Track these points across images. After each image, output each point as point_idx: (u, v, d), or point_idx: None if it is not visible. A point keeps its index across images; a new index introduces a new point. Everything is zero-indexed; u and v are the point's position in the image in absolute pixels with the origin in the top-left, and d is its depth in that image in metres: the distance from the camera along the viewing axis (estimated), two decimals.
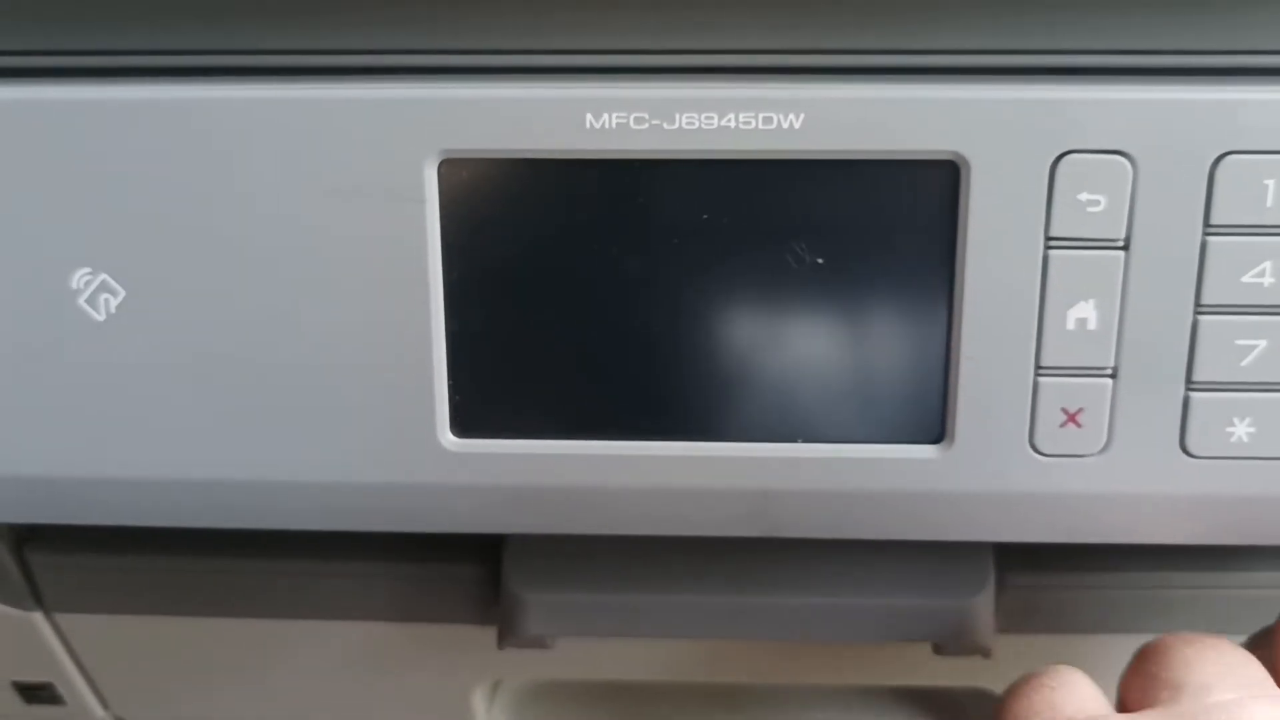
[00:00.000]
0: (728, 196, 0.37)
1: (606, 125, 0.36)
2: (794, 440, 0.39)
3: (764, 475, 0.39)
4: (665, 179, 0.37)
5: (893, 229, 0.37)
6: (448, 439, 0.39)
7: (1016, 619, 0.45)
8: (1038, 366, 0.37)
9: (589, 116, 0.36)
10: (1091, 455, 0.38)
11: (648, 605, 0.45)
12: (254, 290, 0.38)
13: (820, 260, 0.38)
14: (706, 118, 0.36)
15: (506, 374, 0.39)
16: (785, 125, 0.36)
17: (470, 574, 0.47)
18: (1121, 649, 0.38)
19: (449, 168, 0.37)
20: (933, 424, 0.38)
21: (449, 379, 0.39)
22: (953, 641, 0.45)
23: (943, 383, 0.38)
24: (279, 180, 0.37)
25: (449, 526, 0.41)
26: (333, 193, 0.37)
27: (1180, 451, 0.38)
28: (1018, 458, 0.38)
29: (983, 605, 0.44)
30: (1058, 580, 0.45)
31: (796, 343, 0.39)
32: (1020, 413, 0.38)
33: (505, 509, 0.41)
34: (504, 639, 0.46)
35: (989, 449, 0.38)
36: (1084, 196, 0.36)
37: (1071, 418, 0.38)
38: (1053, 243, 0.36)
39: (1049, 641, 0.46)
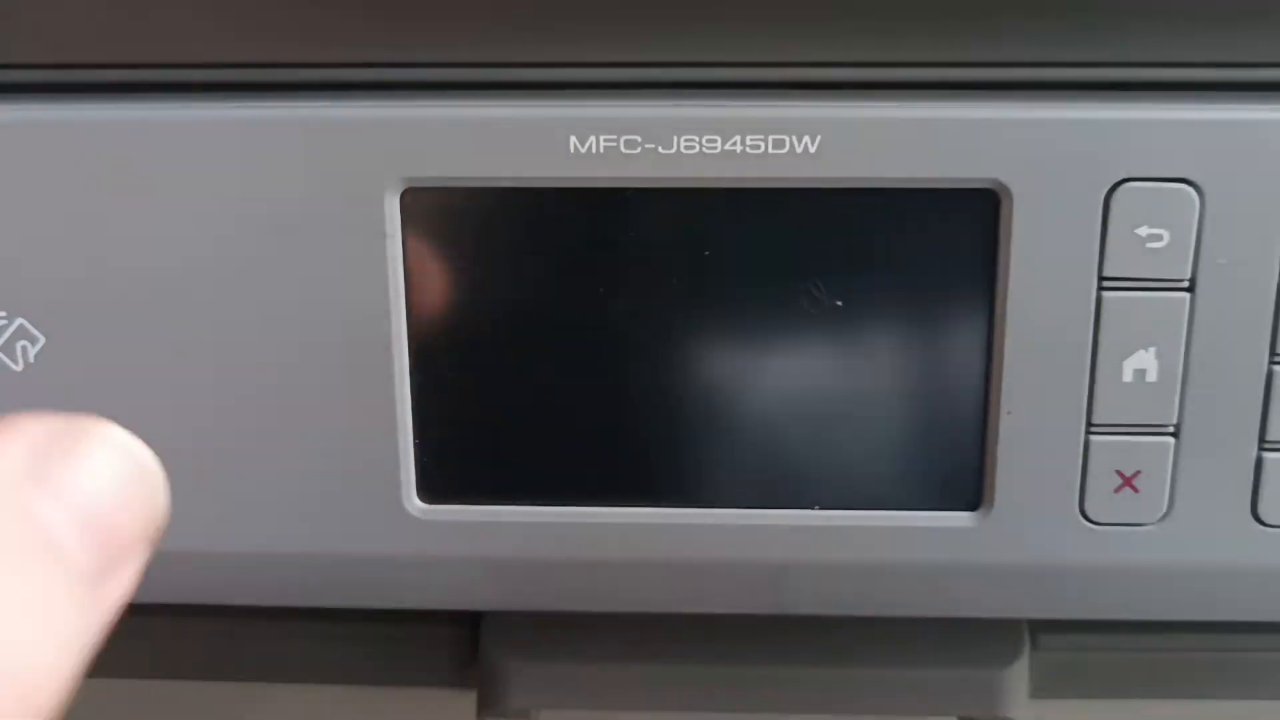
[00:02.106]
0: (733, 231, 0.34)
1: (593, 150, 0.33)
2: (810, 508, 0.36)
3: (776, 547, 0.36)
4: (661, 211, 0.34)
5: (922, 267, 0.34)
6: (414, 505, 0.36)
7: (1050, 684, 0.43)
8: (1089, 424, 0.34)
9: (573, 140, 0.33)
10: (1150, 524, 0.35)
11: (644, 676, 0.42)
12: (192, 338, 0.35)
13: (839, 303, 0.34)
14: (709, 141, 0.33)
15: (481, 432, 0.36)
16: (799, 149, 0.33)
17: (447, 635, 0.44)
18: (1165, 716, 0.36)
19: (413, 198, 0.34)
20: (969, 488, 0.35)
21: (415, 438, 0.36)
22: (983, 715, 0.42)
23: (980, 442, 0.35)
24: (218, 212, 0.34)
25: (417, 602, 0.38)
26: (280, 228, 0.34)
27: (1251, 519, 0.35)
28: (1066, 526, 0.35)
29: (1016, 675, 0.41)
30: (1095, 641, 0.43)
31: (812, 397, 0.35)
32: (1069, 476, 0.35)
33: (481, 583, 0.37)
34: (484, 710, 0.43)
35: (1033, 516, 0.35)
36: (1143, 231, 0.33)
37: (1128, 481, 0.35)
38: (1107, 283, 0.33)
39: (1085, 709, 0.44)
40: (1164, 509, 0.35)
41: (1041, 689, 0.42)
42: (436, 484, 0.36)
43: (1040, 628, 0.42)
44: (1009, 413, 0.34)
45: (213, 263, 0.34)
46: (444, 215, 0.34)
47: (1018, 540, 0.35)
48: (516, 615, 0.43)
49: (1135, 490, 0.34)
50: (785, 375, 0.35)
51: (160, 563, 0.36)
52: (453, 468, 0.36)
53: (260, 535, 0.37)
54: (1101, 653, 0.43)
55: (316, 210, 0.34)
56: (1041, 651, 0.42)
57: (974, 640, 0.41)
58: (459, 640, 0.44)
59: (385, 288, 0.34)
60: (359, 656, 0.44)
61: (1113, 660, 0.43)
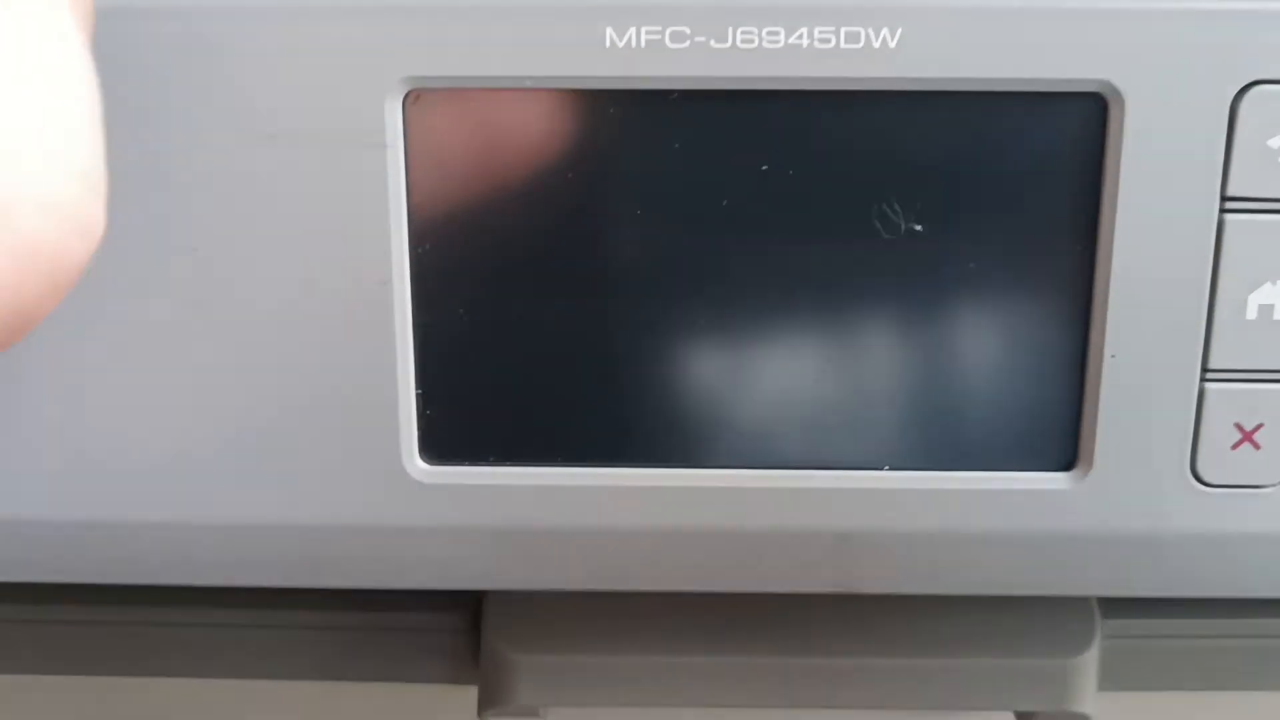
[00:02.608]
0: (796, 142, 0.30)
1: (633, 43, 0.29)
2: (879, 468, 0.32)
3: (839, 514, 0.32)
4: (712, 118, 0.30)
5: (1015, 186, 0.30)
6: (416, 466, 0.32)
7: (1116, 675, 0.40)
8: (1205, 369, 0.31)
9: (610, 32, 0.29)
10: (1272, 485, 0.32)
11: (666, 669, 0.39)
12: (160, 266, 0.31)
13: (917, 227, 0.30)
14: (770, 34, 0.28)
15: (494, 381, 0.32)
16: (876, 44, 0.28)
17: (444, 623, 0.41)
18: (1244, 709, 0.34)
19: (419, 103, 0.30)
20: (1063, 445, 0.32)
21: (418, 387, 0.32)
22: (1048, 710, 0.39)
23: (1077, 391, 0.31)
24: (194, 122, 0.30)
25: (418, 580, 0.34)
26: (265, 138, 0.30)
27: None
28: (1175, 488, 0.31)
29: (1086, 665, 0.38)
30: (1166, 626, 0.40)
31: (882, 337, 0.31)
32: (1180, 430, 0.31)
33: (491, 557, 0.34)
34: (485, 707, 0.40)
35: (1137, 477, 0.31)
36: (1275, 143, 0.29)
37: (1248, 436, 0.31)
38: (1232, 204, 0.29)
39: (1154, 701, 0.41)
40: None
41: (1111, 680, 0.39)
42: (442, 442, 0.32)
43: (1111, 609, 0.39)
44: (1112, 356, 0.30)
45: (189, 180, 0.30)
46: (453, 123, 0.30)
47: (1119, 505, 0.32)
48: (522, 601, 0.40)
49: (1256, 446, 0.31)
50: (851, 312, 0.31)
51: (126, 537, 0.33)
52: (461, 422, 0.32)
53: (237, 504, 0.33)
54: (1181, 639, 0.40)
55: (308, 117, 0.29)
56: (1113, 637, 0.39)
57: (1037, 623, 0.38)
58: (458, 629, 0.41)
59: (384, 210, 0.30)
60: (346, 649, 0.42)
61: (1193, 647, 0.40)
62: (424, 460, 0.32)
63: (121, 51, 0.29)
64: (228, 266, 0.30)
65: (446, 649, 0.41)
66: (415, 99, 0.29)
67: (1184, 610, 0.39)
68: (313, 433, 0.32)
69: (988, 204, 0.30)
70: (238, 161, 0.29)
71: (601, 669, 0.39)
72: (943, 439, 0.32)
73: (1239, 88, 0.28)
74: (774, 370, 0.32)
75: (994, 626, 0.38)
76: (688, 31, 0.28)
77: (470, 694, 0.41)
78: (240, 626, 0.42)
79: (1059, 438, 0.31)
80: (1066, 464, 0.32)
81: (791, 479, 0.32)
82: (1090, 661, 0.38)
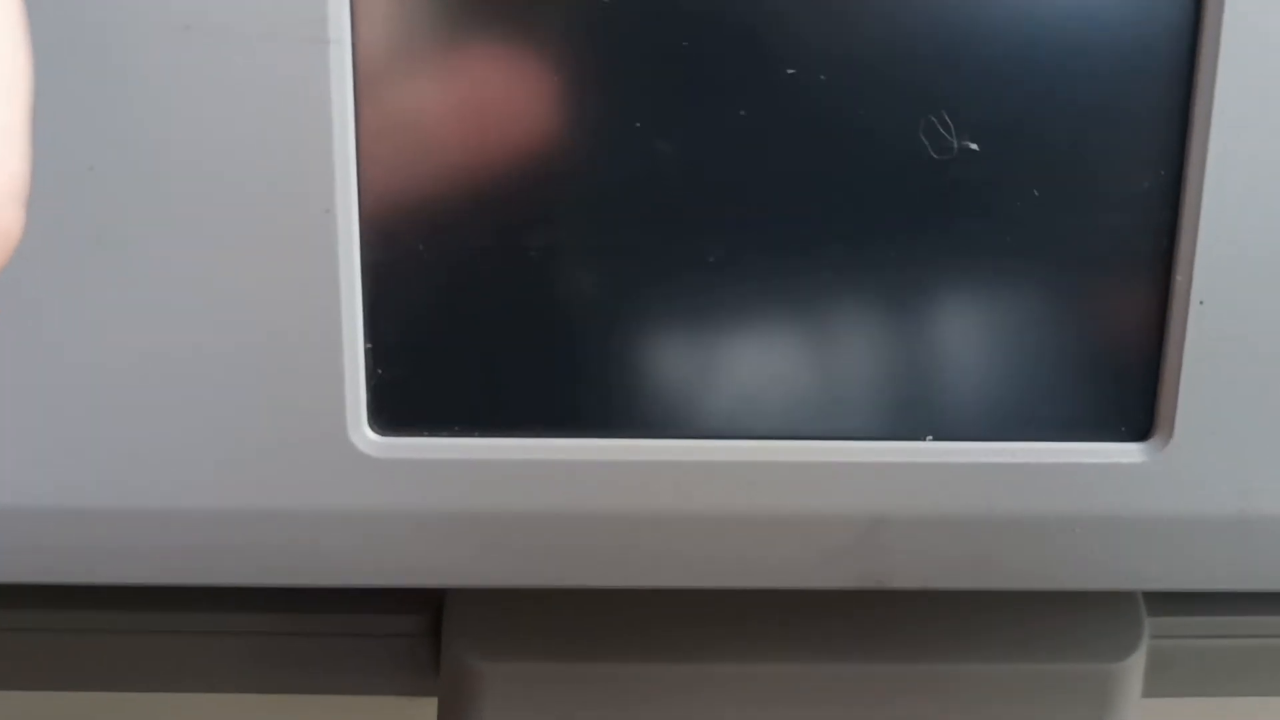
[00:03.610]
0: (823, 39, 0.25)
1: None
2: (920, 438, 0.28)
3: (873, 493, 0.28)
4: (722, 10, 0.25)
5: (1088, 90, 0.25)
6: (365, 437, 0.28)
7: (1158, 679, 0.36)
8: None
9: None
10: None
11: (649, 678, 0.35)
12: (51, 189, 0.25)
13: (972, 145, 0.25)
14: None
15: (458, 334, 0.27)
16: None
17: (400, 626, 0.38)
18: None
19: None
20: (1138, 410, 0.27)
21: (367, 341, 0.27)
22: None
23: (1157, 345, 0.27)
24: (89, 8, 0.25)
25: (369, 576, 0.30)
26: (179, 30, 0.25)
27: None
28: (1271, 461, 0.27)
29: (1132, 670, 0.34)
30: (1209, 625, 0.37)
31: (926, 283, 0.27)
32: (1278, 392, 0.27)
33: (454, 547, 0.29)
34: None
35: (1226, 449, 0.27)
36: None
37: None
38: None
39: (1199, 708, 0.37)
40: None
41: (1157, 686, 0.36)
42: (395, 408, 0.28)
43: (1157, 609, 0.35)
44: (1200, 302, 0.26)
45: (100, 78, 0.25)
46: (411, 15, 0.25)
47: (1204, 481, 0.27)
48: (488, 602, 0.36)
49: None
50: (887, 248, 0.26)
51: (25, 528, 0.30)
52: (418, 385, 0.27)
53: (150, 487, 0.28)
54: (1233, 639, 0.36)
55: (226, 5, 0.24)
56: (1161, 639, 0.35)
57: (1081, 624, 0.34)
58: (415, 633, 0.37)
59: (327, 121, 0.25)
60: (289, 658, 0.38)
61: (1240, 648, 0.36)
62: (374, 430, 0.28)
63: None
64: (132, 190, 0.25)
65: (403, 656, 0.38)
66: None
67: (1237, 609, 0.36)
68: (241, 397, 0.27)
69: (1055, 117, 0.25)
70: (145, 59, 0.24)
71: (577, 679, 0.35)
72: (994, 404, 0.27)
73: None
74: (790, 322, 0.27)
75: (1027, 627, 0.34)
76: None
77: (430, 707, 0.37)
78: (162, 633, 0.38)
79: (1133, 401, 0.27)
80: (1142, 433, 0.27)
81: (813, 451, 0.27)
82: (1135, 666, 0.34)
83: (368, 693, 0.38)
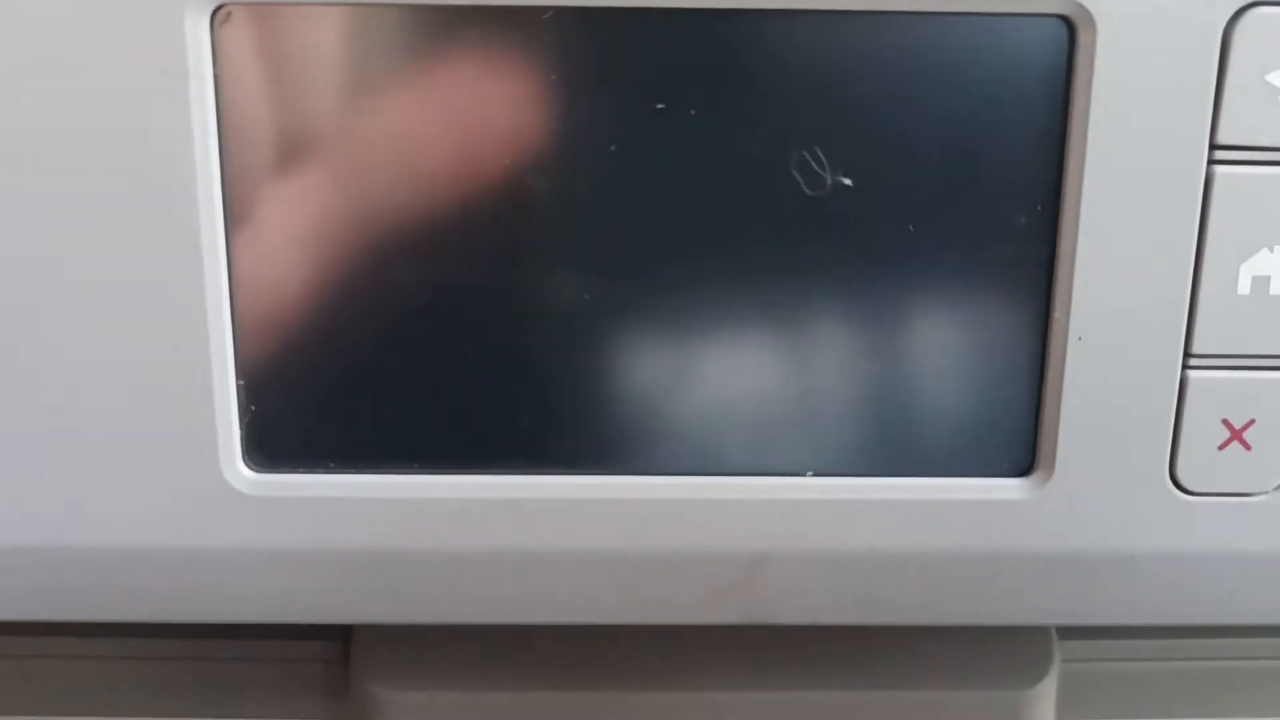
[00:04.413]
0: (699, 71, 0.24)
1: None
2: (801, 474, 0.27)
3: (754, 529, 0.27)
4: (592, 40, 0.24)
5: (964, 130, 0.24)
6: (239, 474, 0.27)
7: (1075, 704, 0.36)
8: (1189, 354, 0.26)
9: None
10: (1264, 493, 0.27)
11: (564, 706, 0.34)
12: None
13: (845, 180, 0.24)
14: None
15: (333, 368, 0.26)
16: None
17: (310, 653, 0.37)
18: None
19: (230, 23, 0.24)
20: (1019, 446, 0.27)
21: (239, 377, 0.26)
22: None
23: (1035, 381, 0.26)
24: None
25: (254, 614, 0.29)
26: (40, 62, 0.24)
27: None
28: (1150, 497, 0.27)
29: (1043, 696, 0.34)
30: (1130, 649, 0.36)
31: (804, 317, 0.26)
32: (1157, 427, 0.26)
33: (337, 586, 0.28)
34: None
35: (1105, 484, 0.26)
36: (1276, 79, 0.24)
37: (1237, 435, 0.26)
38: (1222, 154, 0.24)
39: None
40: None
41: (1070, 710, 0.35)
42: (270, 444, 0.27)
43: (1071, 631, 0.35)
44: (1079, 339, 0.25)
45: None
46: (273, 46, 0.24)
47: (1084, 516, 0.27)
48: (396, 630, 0.34)
49: (1246, 447, 0.26)
50: (765, 287, 0.25)
51: None
52: (293, 420, 0.26)
53: (22, 523, 0.27)
54: (1146, 662, 0.36)
55: (86, 38, 0.23)
56: (1072, 661, 0.35)
57: (991, 651, 0.33)
58: (324, 661, 0.37)
59: (189, 155, 0.24)
60: (197, 683, 0.37)
61: (1160, 671, 0.36)
62: (249, 467, 0.26)
63: None
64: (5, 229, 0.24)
65: (313, 682, 0.37)
66: (225, 18, 0.23)
67: (1150, 632, 0.35)
68: (112, 435, 0.26)
69: (930, 152, 0.24)
70: (3, 89, 0.23)
71: (483, 709, 0.34)
72: (876, 440, 0.26)
73: (1233, 11, 0.23)
74: (672, 357, 0.26)
75: (938, 654, 0.34)
76: None
77: None
78: (76, 658, 0.37)
79: (1014, 438, 0.26)
80: (1023, 469, 0.27)
81: (695, 488, 0.26)
82: (1047, 692, 0.33)
83: (278, 718, 0.37)
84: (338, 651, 0.36)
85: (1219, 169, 0.24)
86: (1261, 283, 0.25)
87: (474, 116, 0.24)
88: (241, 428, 0.26)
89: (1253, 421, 0.25)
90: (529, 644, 0.34)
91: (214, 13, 0.23)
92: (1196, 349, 0.25)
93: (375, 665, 0.34)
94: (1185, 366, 0.25)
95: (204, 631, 0.36)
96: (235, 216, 0.24)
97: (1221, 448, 0.26)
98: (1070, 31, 0.23)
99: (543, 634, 0.34)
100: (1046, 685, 0.33)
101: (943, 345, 0.26)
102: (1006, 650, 0.33)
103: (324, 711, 0.37)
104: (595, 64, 0.24)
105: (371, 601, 0.28)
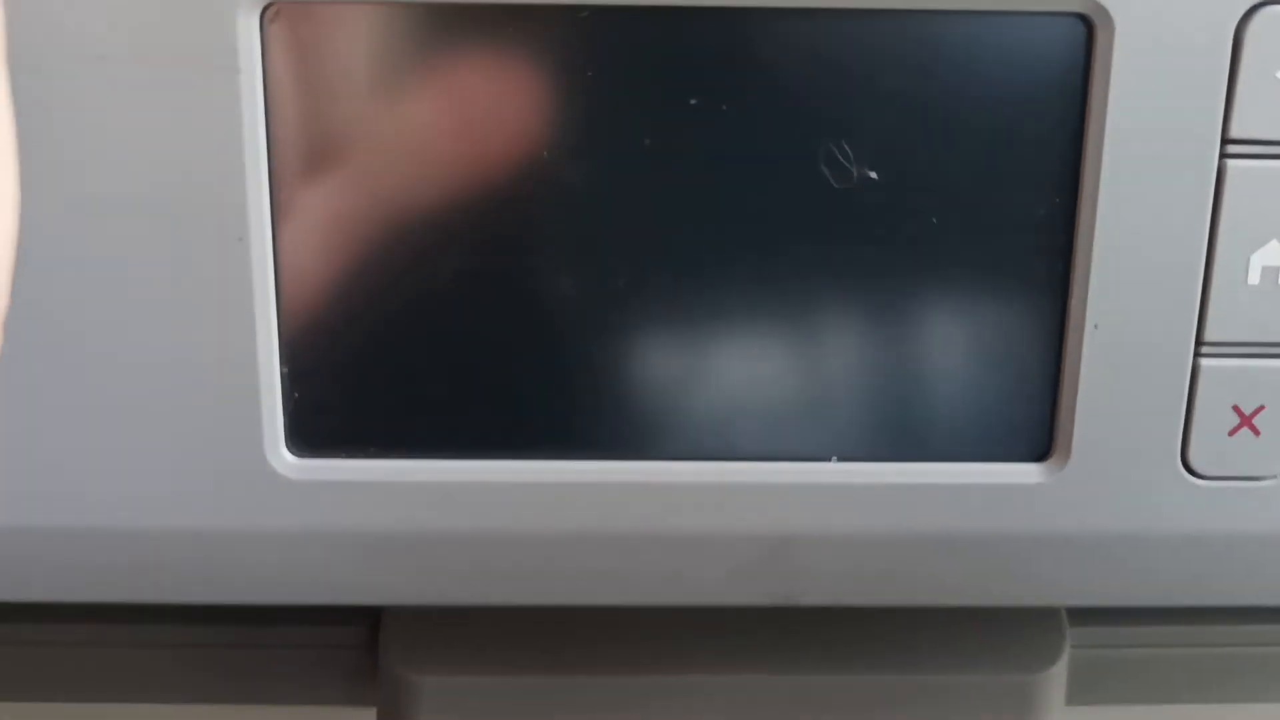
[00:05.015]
0: (730, 70, 0.24)
1: None
2: (825, 459, 0.27)
3: (780, 513, 0.27)
4: (629, 39, 0.24)
5: (985, 125, 0.25)
6: (282, 459, 0.27)
7: (1086, 688, 0.35)
8: (1200, 342, 0.26)
9: None
10: (1274, 477, 0.27)
11: (585, 691, 0.34)
12: None
13: (871, 174, 0.25)
14: None
15: (373, 359, 0.26)
16: None
17: (339, 638, 0.36)
18: None
19: (278, 20, 0.24)
20: (1037, 432, 0.27)
21: (283, 364, 0.26)
22: None
23: (1053, 369, 0.26)
24: (17, 41, 0.23)
25: (294, 595, 0.29)
26: (94, 59, 0.24)
27: None
28: (1163, 481, 0.27)
29: (1054, 679, 0.33)
30: (1139, 635, 0.36)
31: (829, 307, 0.26)
32: (1170, 413, 0.26)
33: (376, 568, 0.28)
34: None
35: (1120, 469, 0.26)
36: None
37: (1247, 420, 0.26)
38: (1234, 147, 0.24)
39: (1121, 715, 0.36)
40: None
41: (1081, 693, 0.35)
42: (313, 430, 0.27)
43: (1080, 616, 0.34)
44: (1094, 327, 0.25)
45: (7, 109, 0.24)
46: (320, 44, 0.24)
47: (1099, 500, 0.27)
48: (424, 615, 0.34)
49: (1256, 432, 0.26)
50: (789, 277, 0.25)
51: None
52: (335, 406, 0.26)
53: (73, 506, 0.27)
54: (1156, 648, 0.35)
55: (138, 36, 0.23)
56: (1083, 647, 0.34)
57: (1002, 635, 0.33)
58: (353, 646, 0.36)
59: (239, 149, 0.24)
60: (229, 668, 0.37)
61: (1170, 656, 0.35)
62: (292, 452, 0.26)
63: None
64: (47, 218, 0.24)
65: (342, 667, 0.36)
66: (274, 15, 0.23)
67: (1159, 617, 0.35)
68: (159, 420, 0.26)
69: (952, 148, 0.24)
70: (60, 87, 0.23)
71: (512, 691, 0.34)
72: (898, 425, 0.26)
73: (1244, 10, 0.23)
74: (700, 346, 0.26)
75: (949, 638, 0.33)
76: None
77: (370, 716, 0.36)
78: (110, 645, 0.36)
79: (1031, 424, 0.26)
80: (1040, 454, 0.27)
81: (723, 472, 0.27)
82: (1058, 676, 0.33)
83: (307, 703, 0.37)
84: (366, 636, 0.36)
85: (1231, 162, 0.24)
86: (1271, 273, 0.25)
87: (512, 112, 0.24)
88: (285, 414, 0.26)
89: (1262, 408, 0.26)
90: (556, 629, 0.34)
91: (263, 11, 0.23)
92: (1208, 337, 0.25)
93: (404, 650, 0.34)
94: (1197, 354, 0.26)
95: (234, 617, 0.36)
96: (281, 208, 0.25)
97: (1232, 433, 0.26)
98: (1088, 30, 0.23)
99: (570, 619, 0.33)
100: (1057, 670, 0.33)
101: (963, 334, 0.26)
102: (1017, 635, 0.33)
103: (353, 696, 0.37)
104: (632, 61, 0.24)
105: (407, 582, 0.28)
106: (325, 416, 0.26)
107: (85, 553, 0.27)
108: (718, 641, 0.34)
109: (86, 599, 0.29)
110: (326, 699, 0.37)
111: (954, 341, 0.26)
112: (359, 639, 0.36)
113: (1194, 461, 0.26)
